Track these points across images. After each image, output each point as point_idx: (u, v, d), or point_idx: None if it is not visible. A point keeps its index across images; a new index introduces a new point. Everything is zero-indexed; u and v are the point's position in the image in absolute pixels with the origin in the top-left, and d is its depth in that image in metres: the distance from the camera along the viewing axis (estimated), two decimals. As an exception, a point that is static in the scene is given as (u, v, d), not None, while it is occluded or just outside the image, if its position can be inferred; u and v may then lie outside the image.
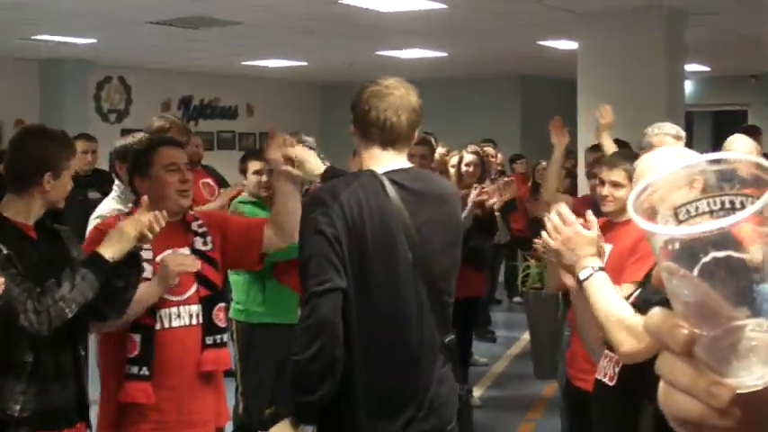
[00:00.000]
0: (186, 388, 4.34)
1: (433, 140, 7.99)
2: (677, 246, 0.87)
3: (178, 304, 4.31)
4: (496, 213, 8.19)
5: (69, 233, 4.25)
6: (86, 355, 4.21)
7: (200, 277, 4.37)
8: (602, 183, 5.21)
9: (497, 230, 8.31)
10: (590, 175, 6.89)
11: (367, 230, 3.64)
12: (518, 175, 14.30)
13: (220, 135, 18.06)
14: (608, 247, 4.75)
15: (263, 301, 6.02)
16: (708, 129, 21.12)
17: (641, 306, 3.24)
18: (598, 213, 4.08)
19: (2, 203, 4.04)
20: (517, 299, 13.50)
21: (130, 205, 4.53)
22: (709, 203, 0.88)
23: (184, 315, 4.32)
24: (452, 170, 8.27)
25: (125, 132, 5.97)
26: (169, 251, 4.25)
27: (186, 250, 4.39)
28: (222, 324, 4.43)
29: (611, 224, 5.00)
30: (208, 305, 4.35)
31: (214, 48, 13.67)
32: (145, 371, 4.20)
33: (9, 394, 3.79)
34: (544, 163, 8.80)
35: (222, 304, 4.46)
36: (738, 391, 0.86)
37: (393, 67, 15.52)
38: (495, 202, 7.88)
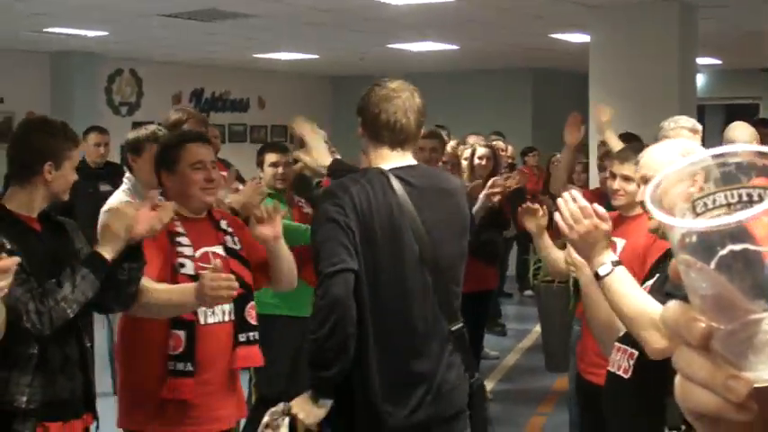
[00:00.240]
0: (218, 383, 4.39)
1: (444, 134, 7.98)
2: (694, 239, 0.86)
3: None
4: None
5: (74, 225, 4.26)
6: (92, 347, 4.23)
7: (233, 275, 4.38)
8: (614, 176, 5.21)
9: (510, 224, 8.30)
10: (601, 168, 6.87)
11: (375, 223, 3.83)
12: (529, 168, 14.30)
13: (231, 128, 18.05)
14: (620, 242, 4.75)
15: (277, 294, 6.02)
16: (719, 122, 21.02)
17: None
18: (607, 207, 4.07)
19: (6, 196, 4.06)
20: (528, 292, 13.51)
21: (161, 198, 4.52)
22: (726, 196, 0.87)
23: (218, 311, 4.36)
24: (465, 163, 8.26)
25: (136, 125, 5.96)
26: (209, 265, 4.20)
27: (220, 249, 4.44)
28: (254, 322, 4.48)
29: (622, 218, 5.00)
30: (240, 303, 4.37)
31: (226, 40, 13.66)
32: (189, 366, 4.24)
33: (15, 386, 3.80)
34: (559, 155, 8.79)
35: (253, 302, 4.51)
36: (756, 385, 0.85)
37: (404, 61, 15.54)
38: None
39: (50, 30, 12.48)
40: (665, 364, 3.22)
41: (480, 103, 17.28)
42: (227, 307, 4.36)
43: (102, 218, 5.31)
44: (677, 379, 0.90)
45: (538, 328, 11.10)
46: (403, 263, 3.90)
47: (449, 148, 8.24)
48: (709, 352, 0.87)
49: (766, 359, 0.85)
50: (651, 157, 3.84)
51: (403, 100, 4.00)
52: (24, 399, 3.82)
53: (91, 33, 12.85)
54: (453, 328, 4.06)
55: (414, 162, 4.11)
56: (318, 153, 4.79)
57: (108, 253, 3.87)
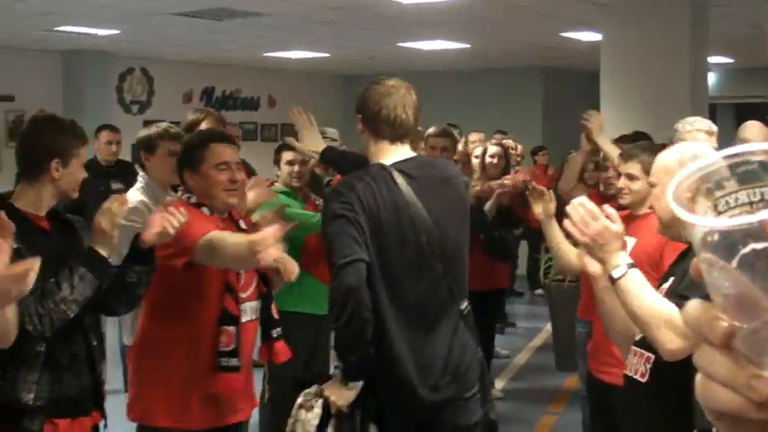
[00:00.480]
0: (244, 377, 4.51)
1: (456, 132, 7.98)
2: (716, 237, 0.86)
3: (247, 300, 4.45)
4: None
5: (83, 224, 4.26)
6: (101, 345, 4.23)
7: (259, 274, 4.52)
8: (619, 175, 5.22)
9: (522, 222, 8.30)
10: (603, 168, 6.85)
11: (382, 217, 4.02)
12: (540, 167, 14.30)
13: (242, 126, 18.02)
14: (631, 241, 4.74)
15: (291, 290, 6.01)
16: (730, 121, 21.01)
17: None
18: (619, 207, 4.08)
19: (14, 194, 4.05)
20: (539, 291, 13.50)
21: (183, 196, 4.53)
22: (748, 194, 0.87)
23: (249, 310, 4.48)
24: (476, 161, 8.25)
25: (147, 124, 5.96)
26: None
27: None
28: (278, 318, 4.61)
29: (632, 217, 5.00)
30: (266, 301, 4.53)
31: (236, 39, 13.68)
32: (236, 362, 4.35)
33: (22, 384, 3.81)
34: (575, 153, 8.76)
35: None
36: None
37: (415, 59, 15.55)
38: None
39: (62, 29, 12.51)
40: (682, 367, 3.22)
41: (490, 102, 17.26)
42: (256, 304, 4.48)
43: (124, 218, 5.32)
44: (698, 378, 0.90)
45: (548, 327, 11.09)
46: (411, 252, 4.09)
47: (460, 146, 8.24)
48: (731, 351, 0.87)
49: None
50: (665, 160, 3.83)
51: (401, 96, 4.20)
52: (31, 396, 3.83)
53: (102, 32, 12.87)
54: (462, 307, 4.28)
55: (413, 154, 4.31)
56: (311, 140, 4.97)
57: (103, 250, 3.87)
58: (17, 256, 3.33)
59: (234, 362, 4.32)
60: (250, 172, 8.36)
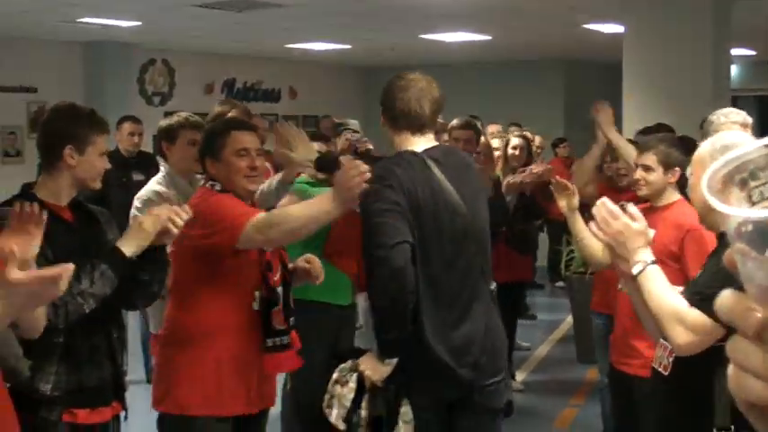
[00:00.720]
0: None
1: (479, 124, 7.96)
2: (750, 228, 0.85)
3: (274, 285, 4.49)
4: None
5: (108, 216, 4.26)
6: (122, 336, 4.23)
7: (282, 263, 4.56)
8: (635, 166, 5.23)
9: (543, 213, 8.29)
10: (615, 160, 6.81)
11: (420, 201, 4.16)
12: (561, 159, 14.26)
13: (263, 118, 18.07)
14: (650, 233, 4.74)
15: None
16: (752, 114, 20.91)
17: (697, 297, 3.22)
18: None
19: (36, 185, 4.05)
20: (560, 283, 13.48)
21: (208, 184, 4.55)
22: None
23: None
24: (497, 153, 8.23)
25: (168, 115, 5.97)
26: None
27: None
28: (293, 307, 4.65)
29: (651, 209, 4.99)
30: (286, 288, 4.54)
31: (258, 30, 13.68)
32: (287, 339, 4.46)
33: (40, 374, 3.81)
34: (595, 145, 8.72)
35: None
36: None
37: (436, 51, 15.52)
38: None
39: (84, 20, 12.53)
40: (701, 362, 3.22)
41: (512, 94, 17.23)
42: (280, 291, 4.48)
43: (134, 208, 5.31)
44: (730, 368, 0.89)
45: (569, 319, 11.08)
46: (448, 235, 4.22)
47: (482, 139, 8.22)
48: (763, 342, 0.86)
49: None
50: (695, 153, 3.81)
51: (418, 89, 4.34)
52: (49, 386, 3.84)
53: (124, 24, 12.89)
54: (492, 287, 4.50)
55: (436, 143, 4.47)
56: (304, 149, 5.05)
57: (129, 249, 3.87)
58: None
59: (285, 339, 4.42)
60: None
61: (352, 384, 4.25)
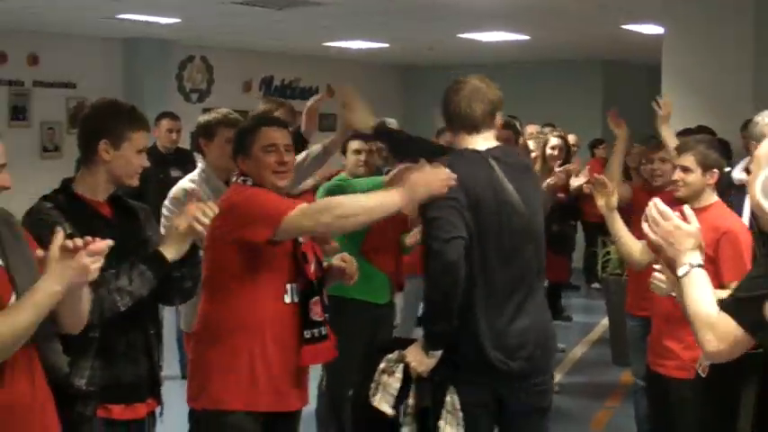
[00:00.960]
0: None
1: (517, 124, 7.95)
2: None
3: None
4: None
5: (148, 212, 4.25)
6: (158, 333, 4.23)
7: (316, 258, 4.57)
8: (674, 167, 5.23)
9: (580, 216, 8.27)
10: (649, 160, 6.79)
11: (480, 198, 4.23)
12: (599, 160, 14.20)
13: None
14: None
15: None
16: (793, 116, 20.77)
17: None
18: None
19: (75, 180, 4.06)
20: (596, 285, 13.43)
21: (240, 179, 4.54)
22: None
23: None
24: (533, 154, 8.21)
25: (206, 112, 5.97)
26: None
27: None
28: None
29: (691, 210, 4.97)
30: (320, 284, 4.51)
31: (296, 28, 13.71)
32: (325, 330, 4.47)
33: (76, 369, 3.80)
34: (636, 146, 8.70)
35: None
36: None
37: (474, 51, 15.51)
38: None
39: (123, 16, 12.60)
40: (734, 369, 3.20)
41: (550, 95, 17.17)
42: (314, 284, 4.47)
43: (165, 207, 5.31)
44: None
45: (605, 321, 11.03)
46: (507, 232, 4.28)
47: (521, 139, 8.21)
48: None
49: None
50: (756, 153, 3.79)
51: (468, 91, 4.43)
52: (84, 381, 3.83)
53: (163, 20, 12.95)
54: (545, 285, 4.60)
55: (496, 143, 4.50)
56: (364, 115, 4.98)
57: (171, 254, 3.87)
58: (71, 239, 3.33)
59: (324, 330, 4.43)
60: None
61: (399, 375, 4.32)
